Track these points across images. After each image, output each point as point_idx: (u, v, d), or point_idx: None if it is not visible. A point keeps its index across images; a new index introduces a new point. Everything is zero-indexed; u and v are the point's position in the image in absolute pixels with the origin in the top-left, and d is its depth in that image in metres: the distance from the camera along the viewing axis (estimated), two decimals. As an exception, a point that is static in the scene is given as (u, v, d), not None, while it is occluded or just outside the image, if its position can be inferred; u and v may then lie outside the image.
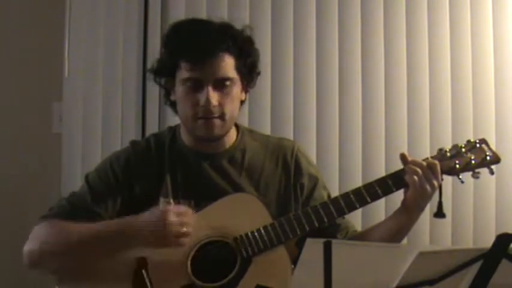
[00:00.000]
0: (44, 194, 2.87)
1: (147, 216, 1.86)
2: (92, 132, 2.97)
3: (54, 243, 1.90)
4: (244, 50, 1.97)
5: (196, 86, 1.93)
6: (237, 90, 1.97)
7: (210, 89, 1.91)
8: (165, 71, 2.00)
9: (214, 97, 1.91)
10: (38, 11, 3.00)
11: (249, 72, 2.00)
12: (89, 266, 1.89)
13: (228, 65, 1.93)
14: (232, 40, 1.94)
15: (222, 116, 1.95)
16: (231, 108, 1.96)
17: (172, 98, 2.02)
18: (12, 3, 3.02)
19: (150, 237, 1.83)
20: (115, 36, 2.98)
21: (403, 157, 1.91)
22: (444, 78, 2.88)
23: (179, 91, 1.96)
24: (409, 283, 1.33)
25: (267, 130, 2.83)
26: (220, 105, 1.93)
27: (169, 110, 2.11)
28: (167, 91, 2.03)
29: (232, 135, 2.05)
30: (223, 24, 1.97)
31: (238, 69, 1.95)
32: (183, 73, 1.93)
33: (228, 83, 1.94)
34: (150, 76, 2.05)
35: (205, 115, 1.94)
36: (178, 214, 1.84)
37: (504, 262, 1.34)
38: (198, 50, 1.90)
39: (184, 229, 1.84)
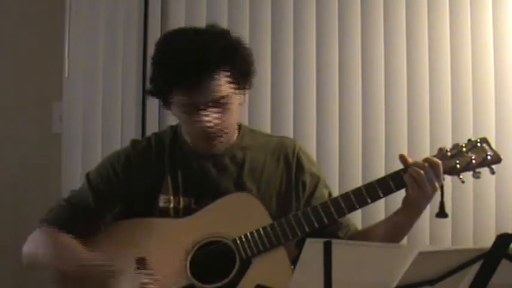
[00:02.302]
0: (44, 194, 2.87)
1: (137, 269, 1.84)
2: (92, 132, 2.97)
3: (48, 255, 1.92)
4: (237, 59, 1.90)
5: (192, 108, 1.89)
6: (235, 101, 1.93)
7: (207, 111, 1.88)
8: (159, 93, 1.95)
9: (211, 118, 1.88)
10: (38, 11, 3.00)
11: (245, 78, 1.96)
12: (83, 281, 1.90)
13: (223, 83, 1.88)
14: (223, 55, 1.87)
15: (223, 132, 1.94)
16: (231, 120, 1.94)
17: (171, 113, 1.99)
18: (12, 3, 3.02)
19: None
20: (115, 36, 2.98)
21: (402, 158, 1.91)
22: (444, 78, 2.87)
23: (176, 111, 1.94)
24: (409, 283, 1.33)
25: (267, 130, 2.82)
26: (219, 122, 1.90)
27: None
28: (165, 103, 1.99)
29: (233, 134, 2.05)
30: (212, 38, 1.89)
31: (234, 81, 1.90)
32: (177, 98, 1.90)
33: (225, 100, 1.89)
34: (147, 94, 2.03)
35: (205, 136, 1.92)
36: None
37: (504, 262, 1.34)
38: (189, 77, 1.85)
39: None
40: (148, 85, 1.98)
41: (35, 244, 1.95)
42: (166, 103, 1.96)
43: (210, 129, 1.90)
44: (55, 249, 1.92)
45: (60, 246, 1.92)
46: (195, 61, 1.84)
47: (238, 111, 1.97)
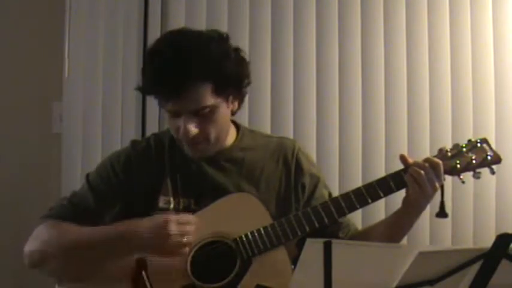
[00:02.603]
0: (44, 194, 2.87)
1: (148, 223, 1.85)
2: (92, 132, 2.97)
3: (55, 244, 1.90)
4: (220, 71, 1.86)
5: (175, 114, 1.90)
6: (220, 112, 1.91)
7: (187, 119, 1.87)
8: (147, 94, 2.00)
9: (192, 126, 1.87)
10: (38, 11, 3.01)
11: (235, 88, 1.93)
12: (89, 267, 1.89)
13: (204, 94, 1.85)
14: (205, 66, 1.84)
15: (206, 140, 1.92)
16: (216, 129, 1.92)
17: None
18: (12, 3, 3.02)
19: (151, 246, 1.83)
20: (115, 36, 2.98)
21: (403, 158, 1.91)
22: (444, 78, 2.88)
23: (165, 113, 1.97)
24: (409, 283, 1.33)
25: (267, 130, 2.83)
26: (202, 131, 1.90)
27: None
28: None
29: (232, 135, 2.05)
30: (197, 47, 1.86)
31: (218, 92, 1.88)
32: (161, 101, 1.92)
33: (206, 110, 1.88)
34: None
35: (187, 142, 1.92)
36: (179, 223, 1.83)
37: (504, 262, 1.34)
38: (167, 88, 1.85)
39: (185, 239, 1.83)
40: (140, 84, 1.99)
41: (39, 238, 1.93)
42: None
43: (189, 137, 1.89)
44: (62, 233, 1.91)
45: (68, 230, 1.91)
46: (174, 71, 1.83)
47: (226, 120, 1.96)
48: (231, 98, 1.94)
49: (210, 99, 1.87)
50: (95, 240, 1.88)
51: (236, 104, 1.98)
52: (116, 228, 1.88)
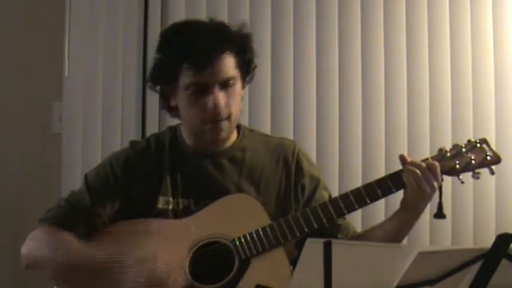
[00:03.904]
0: (44, 194, 2.87)
1: (136, 270, 1.84)
2: (92, 132, 2.97)
3: (48, 259, 1.92)
4: (243, 47, 1.96)
5: (201, 89, 1.91)
6: (238, 88, 1.96)
7: (217, 91, 1.91)
8: (165, 78, 1.97)
9: (222, 99, 1.91)
10: (38, 11, 3.01)
11: (247, 68, 2.00)
12: (81, 283, 1.91)
13: (230, 64, 1.92)
14: (232, 38, 1.93)
15: (229, 117, 1.94)
16: (236, 107, 1.95)
17: (172, 103, 2.00)
18: (12, 3, 3.02)
19: (129, 281, 1.83)
20: (115, 36, 2.98)
21: (402, 158, 1.91)
22: (444, 78, 2.88)
23: (182, 96, 1.94)
24: (409, 283, 1.33)
25: (267, 130, 2.83)
26: (227, 106, 1.92)
27: (169, 110, 2.11)
28: (166, 97, 2.01)
29: (233, 135, 2.05)
30: (220, 24, 1.96)
31: (239, 66, 1.95)
32: (187, 78, 1.90)
33: (231, 82, 1.93)
34: (147, 84, 2.04)
35: (214, 118, 1.92)
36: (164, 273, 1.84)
37: (504, 262, 1.34)
38: (200, 54, 1.88)
39: None
40: (150, 74, 1.99)
41: (35, 243, 1.95)
42: (171, 88, 1.96)
43: (220, 111, 1.91)
44: (56, 247, 1.92)
45: (62, 244, 1.92)
46: (206, 39, 1.89)
47: (240, 102, 1.99)
48: (244, 77, 1.99)
49: (234, 71, 1.94)
50: (82, 261, 1.89)
51: (244, 86, 2.02)
52: (105, 254, 1.88)
